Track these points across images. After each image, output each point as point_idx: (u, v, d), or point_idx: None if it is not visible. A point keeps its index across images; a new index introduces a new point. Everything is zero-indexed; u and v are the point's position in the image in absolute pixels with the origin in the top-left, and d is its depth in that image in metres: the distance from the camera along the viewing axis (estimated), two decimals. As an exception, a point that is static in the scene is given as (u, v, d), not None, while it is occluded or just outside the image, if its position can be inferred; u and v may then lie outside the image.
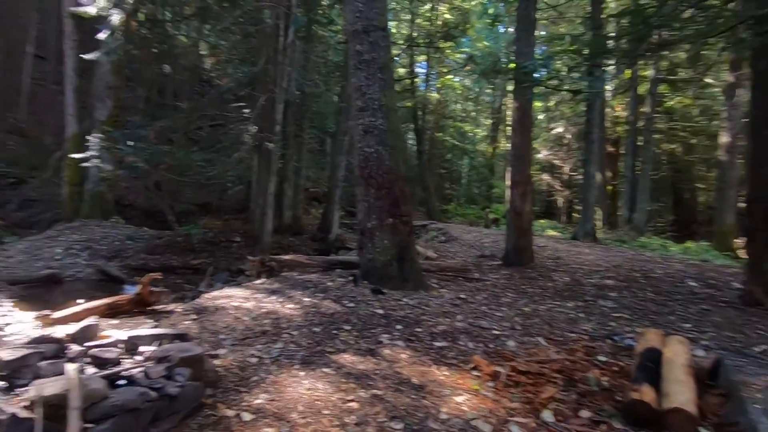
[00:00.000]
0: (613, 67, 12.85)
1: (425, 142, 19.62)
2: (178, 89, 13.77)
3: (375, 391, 2.51)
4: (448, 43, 16.63)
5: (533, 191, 6.90)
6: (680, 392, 2.35)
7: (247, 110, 10.26)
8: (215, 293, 4.60)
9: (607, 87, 16.48)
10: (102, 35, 7.99)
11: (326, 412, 2.24)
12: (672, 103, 16.21)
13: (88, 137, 8.57)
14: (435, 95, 20.35)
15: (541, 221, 17.89)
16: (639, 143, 15.59)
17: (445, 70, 19.68)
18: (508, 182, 7.45)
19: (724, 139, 12.29)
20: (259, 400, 2.33)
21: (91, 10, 8.07)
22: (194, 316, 3.71)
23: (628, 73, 15.37)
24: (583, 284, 5.58)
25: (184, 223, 10.32)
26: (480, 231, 12.25)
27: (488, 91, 22.44)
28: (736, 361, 2.93)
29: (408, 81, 18.41)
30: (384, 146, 4.96)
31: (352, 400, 2.38)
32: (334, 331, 3.46)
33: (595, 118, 12.02)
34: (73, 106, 9.85)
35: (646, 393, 2.33)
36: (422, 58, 19.50)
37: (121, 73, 10.43)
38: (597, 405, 2.48)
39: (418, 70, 20.03)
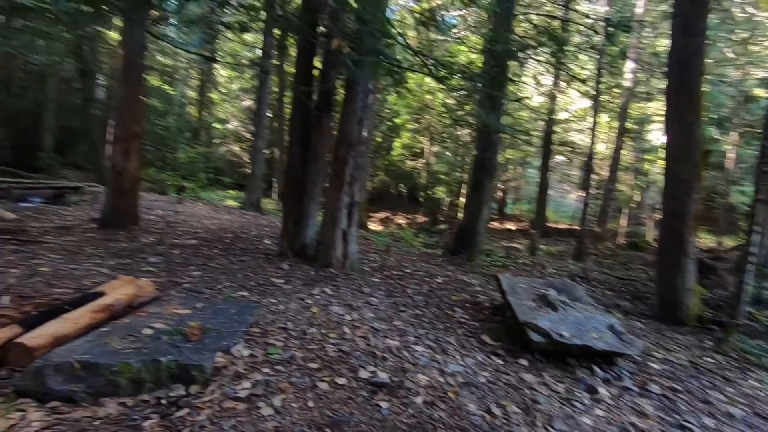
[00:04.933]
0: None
1: (98, 90, 16.27)
2: None
3: None
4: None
5: (140, 149, 6.54)
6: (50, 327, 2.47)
7: None
8: None
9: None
10: None
11: None
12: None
13: None
14: (114, 35, 17.10)
15: (232, 191, 18.09)
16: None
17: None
18: (111, 137, 6.84)
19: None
20: None
21: None
22: None
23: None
24: (164, 244, 5.67)
25: None
26: (158, 197, 11.08)
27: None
28: (178, 295, 3.45)
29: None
30: None
31: None
32: None
33: (264, 96, 12.80)
34: None
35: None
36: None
37: None
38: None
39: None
